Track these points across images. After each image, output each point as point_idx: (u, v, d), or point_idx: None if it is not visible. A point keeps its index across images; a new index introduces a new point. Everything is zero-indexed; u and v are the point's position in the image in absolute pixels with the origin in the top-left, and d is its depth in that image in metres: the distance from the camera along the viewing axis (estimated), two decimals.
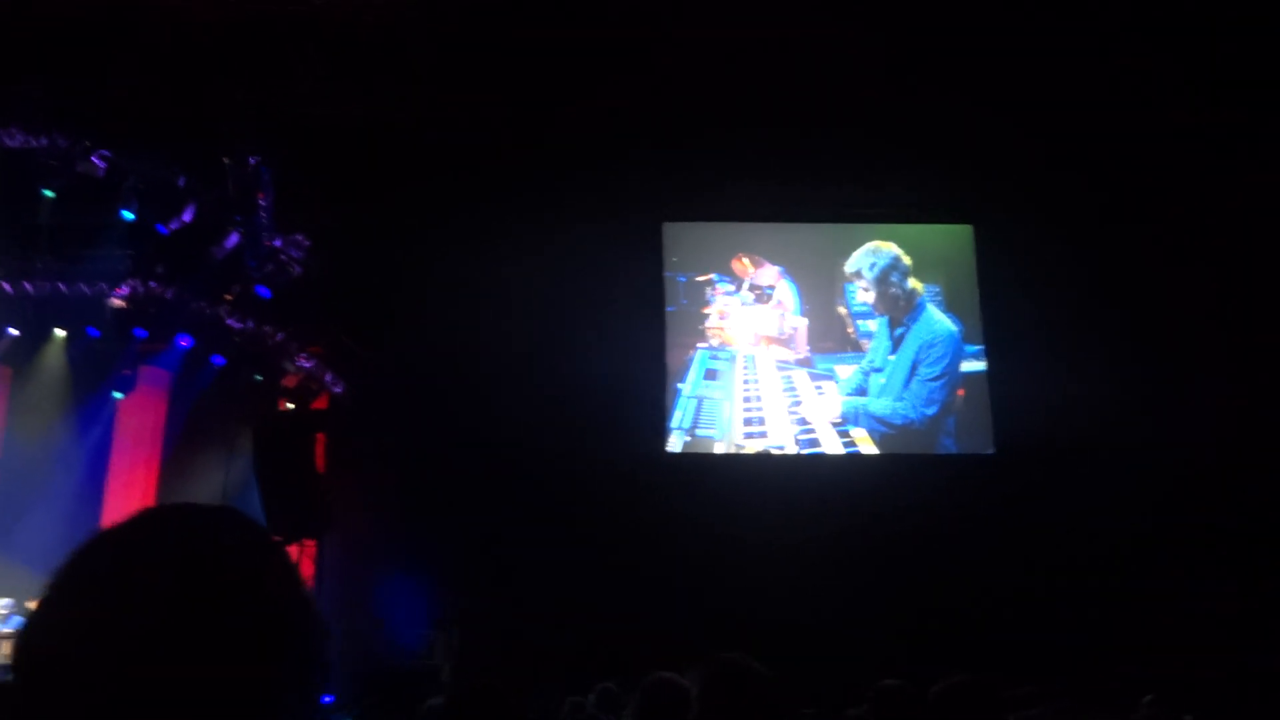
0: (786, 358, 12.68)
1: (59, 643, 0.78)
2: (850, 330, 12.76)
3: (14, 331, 11.50)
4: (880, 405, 12.47)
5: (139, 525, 0.86)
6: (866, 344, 12.69)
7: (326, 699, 10.64)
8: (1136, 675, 7.06)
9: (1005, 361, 12.36)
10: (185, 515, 0.87)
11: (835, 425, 12.41)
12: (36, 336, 11.67)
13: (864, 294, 12.86)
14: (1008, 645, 9.85)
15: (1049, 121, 11.71)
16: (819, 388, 12.55)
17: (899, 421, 12.39)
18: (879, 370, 12.59)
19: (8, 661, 0.85)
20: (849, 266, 12.89)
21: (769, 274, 12.97)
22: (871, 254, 12.92)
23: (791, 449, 12.30)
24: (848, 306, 12.84)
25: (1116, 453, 11.26)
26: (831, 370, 12.59)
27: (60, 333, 11.75)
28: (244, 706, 0.77)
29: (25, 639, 0.80)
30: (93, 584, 0.80)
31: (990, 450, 12.29)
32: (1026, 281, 12.29)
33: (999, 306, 12.53)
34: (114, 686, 0.74)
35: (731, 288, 12.94)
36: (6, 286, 11.05)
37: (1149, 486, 11.06)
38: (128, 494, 11.65)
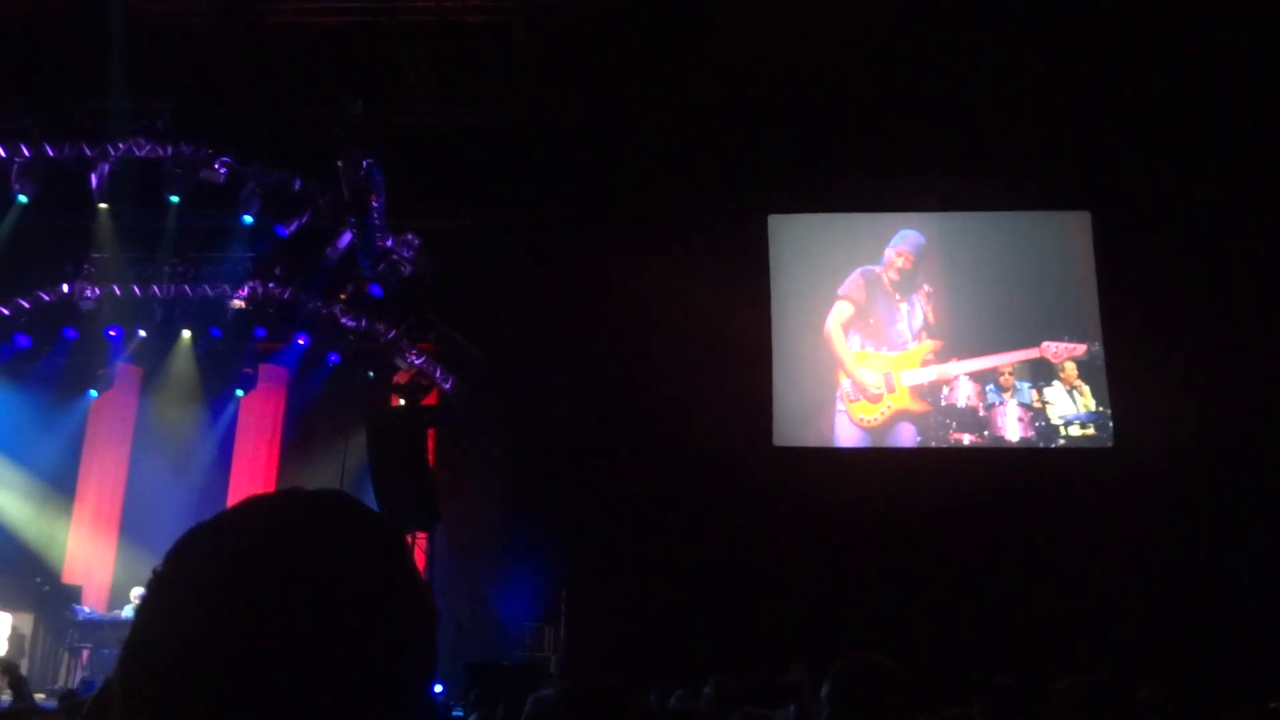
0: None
1: (168, 634, 0.76)
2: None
3: (142, 333, 12.03)
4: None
5: (248, 512, 0.83)
6: None
7: (436, 690, 10.88)
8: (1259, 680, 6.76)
9: (1121, 353, 11.92)
10: (296, 501, 0.85)
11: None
12: (164, 337, 12.19)
13: None
14: (1125, 646, 9.55)
15: (1170, 107, 11.27)
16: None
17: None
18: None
19: None
20: None
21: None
22: None
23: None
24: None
25: (1233, 453, 10.79)
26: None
27: (186, 333, 12.26)
28: (359, 694, 0.76)
29: (134, 632, 0.78)
30: (201, 572, 0.78)
31: (1109, 443, 11.89)
32: (1144, 271, 11.83)
33: (1114, 295, 12.09)
34: (224, 677, 0.73)
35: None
36: (136, 290, 11.58)
37: (1264, 487, 10.59)
38: (250, 487, 12.07)
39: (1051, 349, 12.28)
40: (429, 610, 0.84)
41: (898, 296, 12.78)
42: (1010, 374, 12.33)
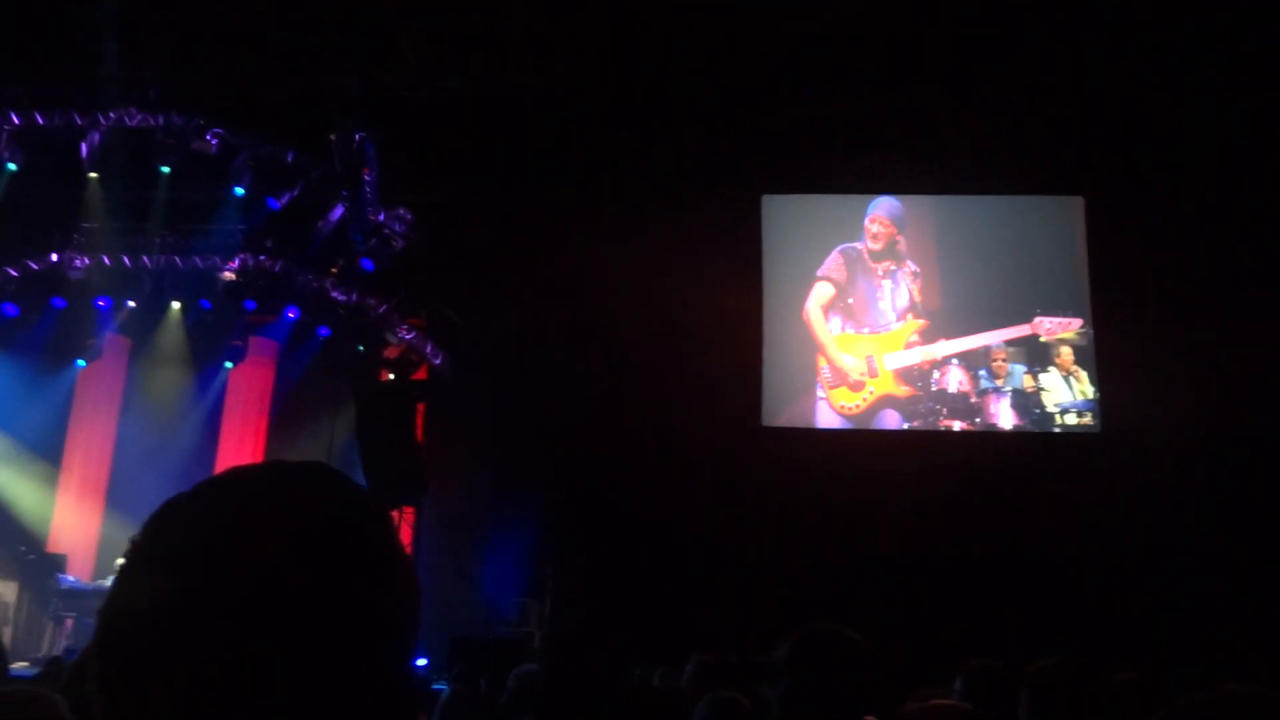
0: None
1: (146, 605, 0.74)
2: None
3: (132, 304, 11.99)
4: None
5: (229, 482, 0.82)
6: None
7: (421, 664, 10.92)
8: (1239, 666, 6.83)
9: (1111, 338, 11.95)
10: (278, 472, 0.83)
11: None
12: (153, 308, 12.15)
13: None
14: (1109, 629, 9.62)
15: (1164, 91, 11.27)
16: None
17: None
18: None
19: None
20: None
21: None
22: None
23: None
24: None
25: (1223, 439, 10.84)
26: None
27: (176, 305, 12.22)
28: (341, 667, 0.75)
29: (111, 602, 0.77)
30: (179, 542, 0.77)
31: (1097, 429, 11.92)
32: (1137, 256, 11.85)
33: (1106, 280, 12.10)
34: (202, 649, 0.72)
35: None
36: (125, 260, 11.53)
37: (1256, 473, 10.65)
38: (238, 458, 12.03)
39: (1045, 324, 12.10)
40: (413, 584, 0.84)
41: (879, 272, 12.58)
42: (1004, 360, 12.16)
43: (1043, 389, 12.12)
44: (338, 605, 0.75)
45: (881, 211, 12.69)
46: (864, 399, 12.25)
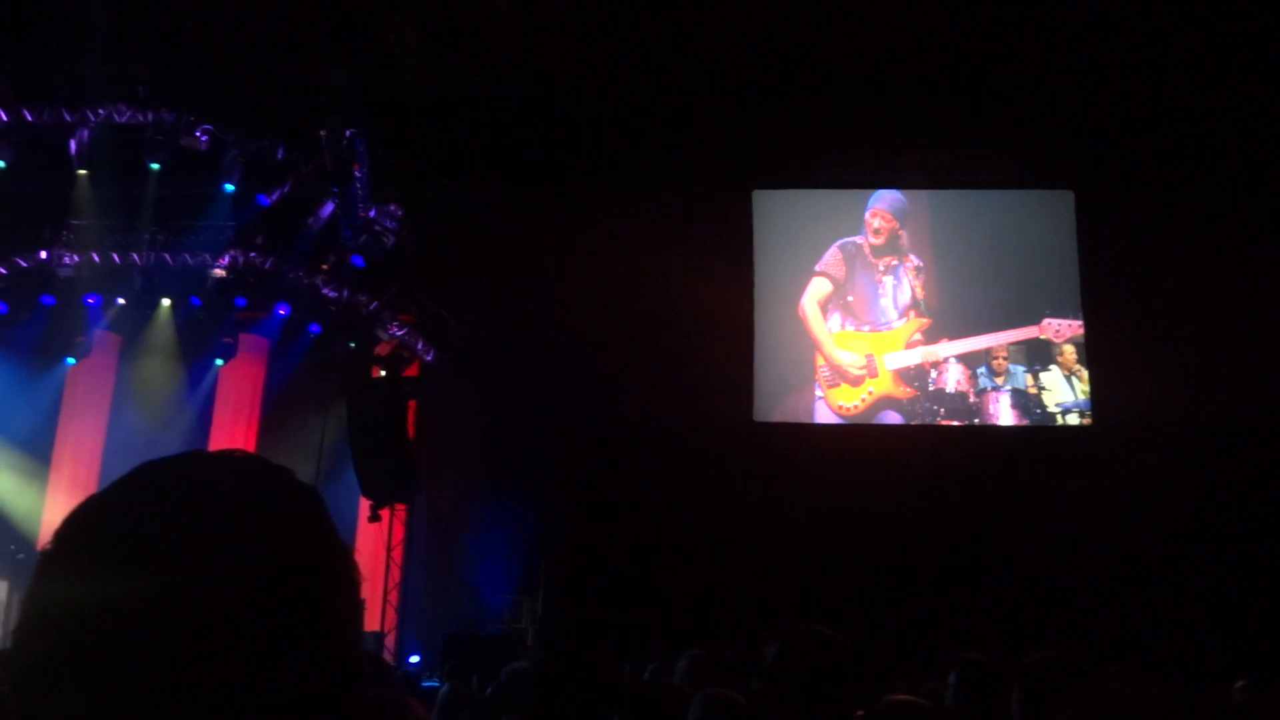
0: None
1: (58, 611, 0.72)
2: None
3: (122, 301, 11.95)
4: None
5: (143, 477, 0.78)
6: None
7: (414, 661, 10.92)
8: (1232, 657, 6.85)
9: (1103, 332, 11.96)
10: (196, 463, 0.81)
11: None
12: (143, 305, 12.12)
13: None
14: (1099, 623, 9.66)
15: (1154, 86, 11.29)
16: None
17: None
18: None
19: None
20: None
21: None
22: None
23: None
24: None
25: (1213, 433, 10.88)
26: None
27: (166, 302, 12.19)
28: (272, 664, 0.72)
29: (22, 612, 0.74)
30: (90, 545, 0.74)
31: (1087, 422, 11.91)
32: (1127, 250, 11.87)
33: (1098, 275, 12.09)
34: (118, 652, 0.69)
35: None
36: (115, 257, 11.49)
37: (1246, 468, 10.69)
38: None
39: (1055, 326, 11.93)
40: (350, 571, 0.80)
41: (881, 268, 12.43)
42: (1004, 358, 11.95)
43: (1044, 388, 11.91)
44: (273, 598, 0.73)
45: (883, 205, 12.56)
46: (863, 399, 12.08)
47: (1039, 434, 11.95)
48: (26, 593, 0.76)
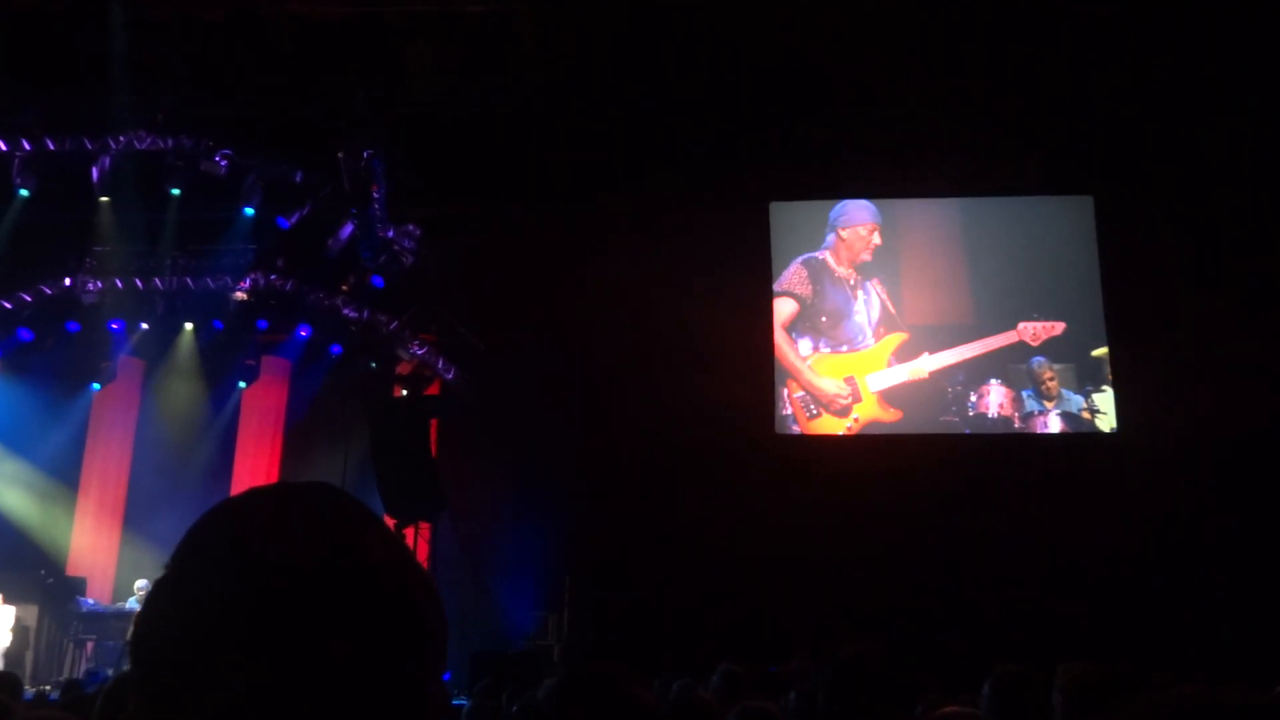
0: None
1: (176, 626, 0.76)
2: None
3: (145, 326, 12.04)
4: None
5: (253, 504, 0.82)
6: None
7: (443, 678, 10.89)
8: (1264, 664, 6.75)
9: (1126, 339, 11.85)
10: (293, 493, 0.84)
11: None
12: (166, 330, 12.20)
13: None
14: (1136, 633, 9.54)
15: (1173, 92, 11.20)
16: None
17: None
18: None
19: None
20: None
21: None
22: None
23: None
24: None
25: (1236, 440, 10.75)
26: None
27: (189, 326, 12.27)
28: (371, 687, 0.75)
29: (144, 624, 0.78)
30: (205, 566, 0.78)
31: (1112, 429, 11.78)
32: (1147, 255, 11.77)
33: (1118, 281, 11.99)
34: (237, 669, 0.73)
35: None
36: (138, 283, 11.59)
37: (1269, 475, 10.57)
38: (253, 478, 12.07)
39: (1030, 330, 11.71)
40: (433, 596, 0.84)
41: (851, 283, 12.15)
42: (1052, 379, 11.62)
43: (1098, 411, 11.50)
44: (368, 626, 0.76)
45: (852, 216, 12.35)
46: (849, 428, 11.85)
47: (1057, 440, 11.81)
48: (145, 612, 0.79)
